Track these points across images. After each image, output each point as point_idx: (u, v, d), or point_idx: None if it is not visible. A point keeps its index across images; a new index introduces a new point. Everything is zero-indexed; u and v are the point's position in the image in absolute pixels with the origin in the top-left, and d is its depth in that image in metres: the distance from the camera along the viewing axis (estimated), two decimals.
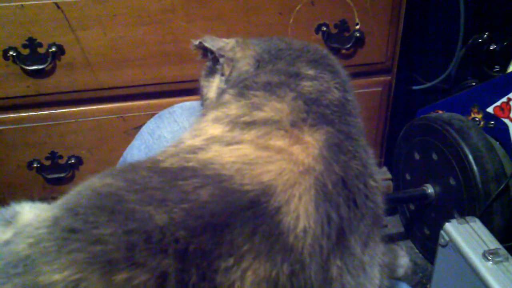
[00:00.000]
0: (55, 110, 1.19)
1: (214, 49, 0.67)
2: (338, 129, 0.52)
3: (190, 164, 0.46)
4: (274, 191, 0.42)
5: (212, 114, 0.55)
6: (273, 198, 0.42)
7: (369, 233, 0.47)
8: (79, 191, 0.44)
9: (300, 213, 0.42)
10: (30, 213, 0.53)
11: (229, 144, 0.48)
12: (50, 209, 0.44)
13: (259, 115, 0.51)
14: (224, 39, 0.68)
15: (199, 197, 0.41)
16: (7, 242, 0.44)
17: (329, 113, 0.53)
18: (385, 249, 0.51)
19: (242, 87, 0.57)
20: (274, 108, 0.52)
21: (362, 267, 0.46)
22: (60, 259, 0.36)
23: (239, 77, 0.64)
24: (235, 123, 0.51)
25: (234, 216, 0.40)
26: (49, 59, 1.10)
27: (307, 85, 0.56)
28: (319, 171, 0.45)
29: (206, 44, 0.67)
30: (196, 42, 0.68)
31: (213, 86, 0.69)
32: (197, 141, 0.51)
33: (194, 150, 0.49)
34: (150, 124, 0.80)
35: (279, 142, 0.48)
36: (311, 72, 0.59)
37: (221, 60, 0.67)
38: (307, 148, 0.47)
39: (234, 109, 0.54)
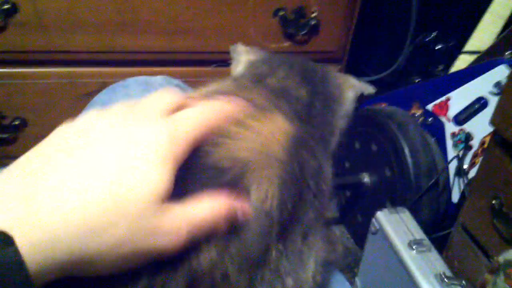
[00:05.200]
0: (3, 69, 1.17)
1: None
2: (305, 128, 0.54)
3: None
4: (247, 170, 0.43)
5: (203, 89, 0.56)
6: (247, 178, 0.43)
7: (310, 227, 0.51)
8: None
9: (268, 196, 0.44)
10: None
11: None
12: None
13: (242, 94, 0.53)
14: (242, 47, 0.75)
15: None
16: None
17: (299, 109, 0.56)
18: (324, 246, 0.54)
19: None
20: (255, 92, 0.54)
21: (299, 255, 0.49)
22: None
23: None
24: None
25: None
26: (2, 17, 1.07)
27: (273, 81, 0.59)
28: (283, 160, 0.47)
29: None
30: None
31: None
32: None
33: None
34: (102, 96, 0.80)
35: (253, 122, 0.48)
36: (282, 74, 0.62)
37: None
38: (278, 135, 0.48)
39: (223, 84, 0.57)
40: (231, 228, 0.41)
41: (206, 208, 0.39)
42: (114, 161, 0.36)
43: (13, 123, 1.21)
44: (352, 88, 0.71)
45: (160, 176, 0.37)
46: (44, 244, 0.31)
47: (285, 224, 0.46)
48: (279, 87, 0.58)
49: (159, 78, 0.85)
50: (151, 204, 0.36)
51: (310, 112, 0.58)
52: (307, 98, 0.59)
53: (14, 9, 1.09)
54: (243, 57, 0.72)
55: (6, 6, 1.07)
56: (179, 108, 0.43)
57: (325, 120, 0.61)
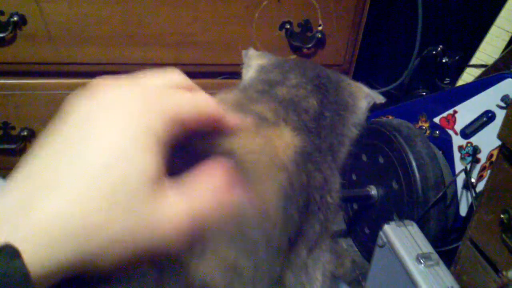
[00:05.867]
0: (12, 80, 1.17)
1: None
2: (312, 140, 0.53)
3: None
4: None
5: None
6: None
7: (316, 241, 0.50)
8: None
9: (271, 204, 0.43)
10: None
11: None
12: None
13: (248, 106, 0.52)
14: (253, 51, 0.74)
15: None
16: None
17: (307, 120, 0.55)
18: (331, 258, 0.54)
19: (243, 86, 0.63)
20: (262, 104, 0.53)
21: (304, 268, 0.49)
22: None
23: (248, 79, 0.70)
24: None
25: None
26: (10, 28, 1.08)
27: (283, 90, 0.58)
28: (291, 171, 0.46)
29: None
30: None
31: None
32: None
33: None
34: None
35: (269, 133, 0.48)
36: (293, 81, 0.60)
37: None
38: (287, 148, 0.48)
39: (229, 95, 0.55)
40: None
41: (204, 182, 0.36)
42: (97, 157, 0.33)
43: (21, 133, 1.21)
44: (365, 97, 0.69)
45: (143, 159, 0.33)
46: (46, 251, 0.31)
47: (290, 235, 0.45)
48: (288, 97, 0.57)
49: None
50: (141, 189, 0.33)
51: (319, 122, 0.57)
52: (317, 108, 0.58)
53: (22, 21, 1.10)
54: (254, 62, 0.70)
55: (15, 18, 1.08)
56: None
57: (335, 130, 0.60)
